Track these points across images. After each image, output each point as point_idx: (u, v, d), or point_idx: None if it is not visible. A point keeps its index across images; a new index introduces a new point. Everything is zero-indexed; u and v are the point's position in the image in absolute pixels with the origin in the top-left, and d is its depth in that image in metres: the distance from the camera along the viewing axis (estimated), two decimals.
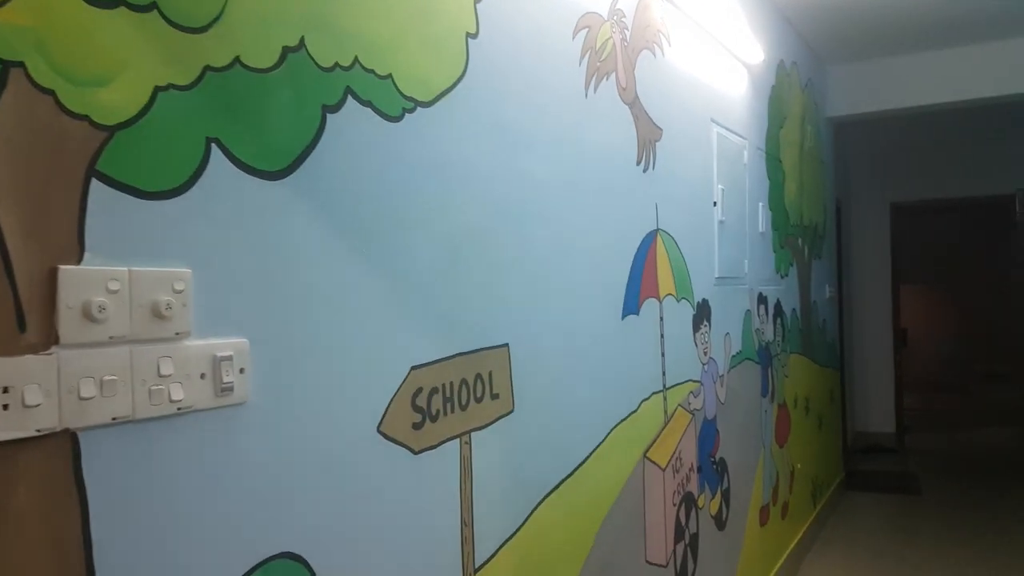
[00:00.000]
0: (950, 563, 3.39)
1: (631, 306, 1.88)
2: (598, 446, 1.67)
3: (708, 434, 2.36)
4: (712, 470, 2.37)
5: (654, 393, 1.99)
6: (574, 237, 1.63)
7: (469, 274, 1.28)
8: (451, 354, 1.23)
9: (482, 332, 1.31)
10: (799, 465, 3.39)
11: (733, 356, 2.64)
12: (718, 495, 2.40)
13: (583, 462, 1.61)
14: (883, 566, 3.38)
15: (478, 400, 1.28)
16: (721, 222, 2.54)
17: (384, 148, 1.11)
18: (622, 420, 1.80)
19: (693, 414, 2.25)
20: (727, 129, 2.64)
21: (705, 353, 2.38)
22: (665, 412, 2.06)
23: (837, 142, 4.88)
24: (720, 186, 2.53)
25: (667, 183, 2.13)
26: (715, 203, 2.51)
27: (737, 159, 2.77)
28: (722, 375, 2.51)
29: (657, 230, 2.06)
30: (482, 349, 1.31)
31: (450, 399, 1.22)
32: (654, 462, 1.95)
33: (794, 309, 3.45)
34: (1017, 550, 3.55)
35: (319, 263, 1.00)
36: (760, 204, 3.00)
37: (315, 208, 1.00)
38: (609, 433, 1.73)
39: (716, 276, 2.50)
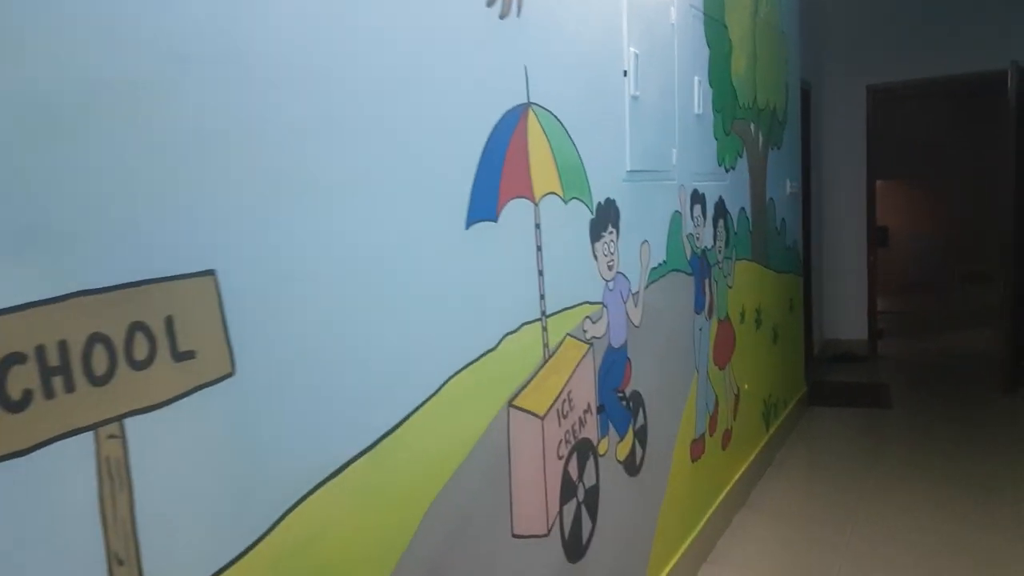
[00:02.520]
0: (918, 483, 3.09)
1: (482, 210, 1.38)
2: (424, 402, 1.22)
3: (614, 365, 1.92)
4: (620, 407, 1.95)
5: (525, 323, 1.52)
6: (364, 106, 1.10)
7: (98, 146, 0.77)
8: (60, 294, 0.74)
9: (143, 251, 0.81)
10: (746, 386, 3.00)
11: (654, 268, 2.17)
12: (629, 436, 1.99)
13: (396, 426, 1.15)
14: (842, 488, 3.07)
15: (138, 365, 0.80)
16: (635, 98, 2.00)
17: None
18: (470, 363, 1.34)
19: (591, 344, 1.80)
20: None
21: (610, 267, 1.90)
22: (545, 345, 1.60)
23: (804, 11, 4.24)
24: (633, 49, 1.97)
25: (543, 38, 1.58)
26: (625, 72, 1.96)
27: (661, 17, 2.19)
28: (636, 292, 2.05)
29: (528, 105, 1.53)
30: (145, 282, 0.81)
31: (61, 369, 0.73)
32: (526, 410, 1.51)
33: (743, 208, 2.96)
34: (991, 468, 3.24)
35: None
36: (696, 78, 2.45)
37: None
38: (446, 382, 1.27)
39: (628, 169, 1.99)
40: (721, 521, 2.66)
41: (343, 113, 1.07)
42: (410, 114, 1.20)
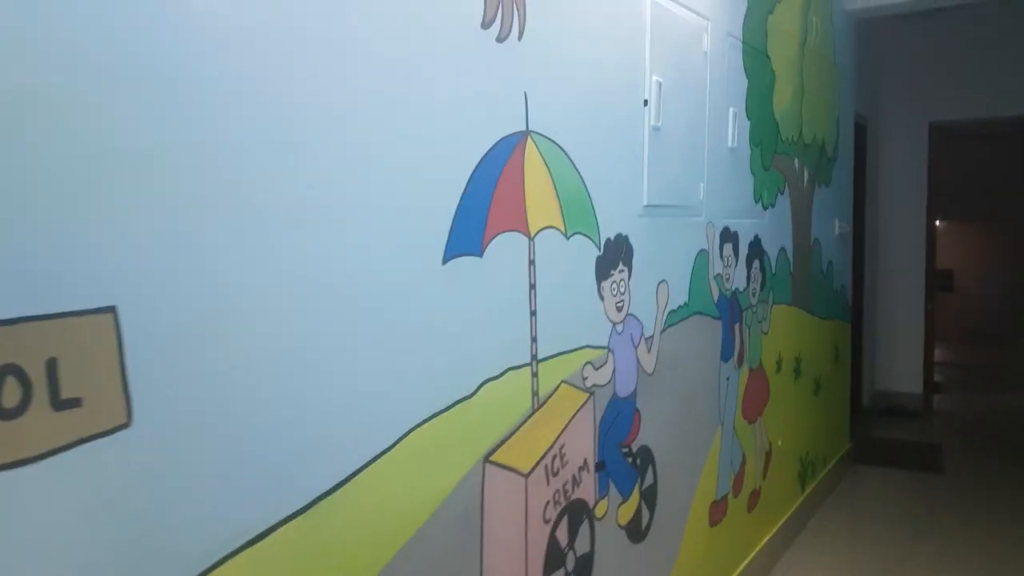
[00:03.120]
0: (968, 562, 2.76)
1: (464, 244, 1.25)
2: (378, 456, 1.08)
3: (619, 417, 1.75)
4: (625, 464, 1.77)
5: (511, 369, 1.38)
6: (324, 129, 1.00)
7: None
8: None
9: (25, 283, 0.71)
10: (780, 442, 2.76)
11: (673, 311, 2.00)
12: (634, 496, 1.81)
13: (340, 484, 1.02)
14: (881, 563, 2.78)
15: (6, 414, 0.70)
16: (656, 129, 1.85)
17: None
18: (439, 412, 1.20)
19: (591, 392, 1.63)
20: None
21: (619, 308, 1.74)
22: (534, 394, 1.45)
23: (861, 44, 4.01)
24: (656, 78, 1.83)
25: (547, 64, 1.46)
26: (646, 102, 1.82)
27: (691, 45, 2.04)
28: (650, 337, 1.88)
29: (526, 133, 1.40)
30: (23, 319, 0.71)
31: None
32: (506, 466, 1.36)
33: (783, 249, 2.75)
34: None
35: None
36: (731, 110, 2.28)
37: None
38: (407, 434, 1.14)
39: (644, 204, 1.83)
40: None
41: (293, 137, 0.96)
42: (383, 139, 1.09)
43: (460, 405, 1.25)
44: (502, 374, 1.35)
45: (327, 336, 1.01)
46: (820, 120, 3.14)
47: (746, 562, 2.47)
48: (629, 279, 1.78)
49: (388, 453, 1.10)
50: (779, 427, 2.77)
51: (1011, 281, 7.39)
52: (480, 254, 1.29)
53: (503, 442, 1.35)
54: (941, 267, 7.54)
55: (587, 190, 1.61)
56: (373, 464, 1.08)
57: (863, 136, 4.49)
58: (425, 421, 1.18)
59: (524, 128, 1.40)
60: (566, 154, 1.53)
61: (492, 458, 1.32)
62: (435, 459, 1.20)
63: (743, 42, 2.36)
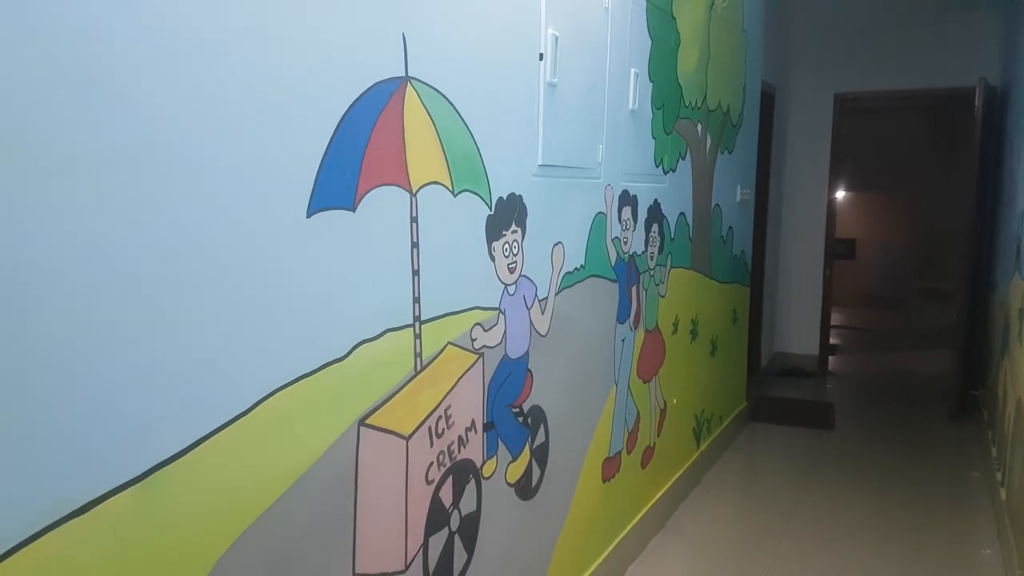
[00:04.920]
0: (849, 513, 2.97)
1: (333, 196, 1.18)
2: (228, 423, 1.02)
3: (510, 378, 1.74)
4: (515, 424, 1.77)
5: (390, 330, 1.33)
6: (148, 54, 0.90)
7: None
8: None
9: None
10: (675, 400, 2.86)
11: (568, 273, 1.99)
12: (524, 455, 1.82)
13: (182, 453, 0.96)
14: (770, 514, 2.94)
15: None
16: (552, 85, 1.81)
17: None
18: (304, 376, 1.15)
19: (480, 354, 1.61)
20: None
21: (511, 270, 1.72)
22: (416, 355, 1.41)
23: (771, 12, 4.09)
24: (552, 31, 1.79)
25: (430, 5, 1.39)
26: (541, 56, 1.77)
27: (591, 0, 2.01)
28: (544, 298, 1.87)
29: (405, 80, 1.33)
30: None
31: None
32: (384, 429, 1.32)
33: (682, 214, 2.80)
34: (926, 500, 3.14)
35: None
36: (633, 71, 2.27)
37: None
38: (265, 398, 1.08)
39: (539, 163, 1.80)
40: (634, 546, 2.51)
41: (110, 70, 0.86)
42: (235, 77, 1.00)
43: (330, 368, 1.20)
44: (379, 335, 1.30)
45: (163, 295, 0.93)
46: (725, 86, 3.19)
47: (640, 515, 2.56)
48: (523, 240, 1.76)
49: (243, 418, 1.04)
50: (675, 386, 2.85)
51: (910, 250, 7.88)
52: (353, 208, 1.23)
53: (380, 405, 1.31)
54: (845, 236, 7.98)
55: (477, 146, 1.56)
56: (225, 430, 1.01)
57: (770, 104, 4.61)
58: (288, 384, 1.12)
59: (403, 74, 1.33)
60: (453, 106, 1.47)
61: (368, 421, 1.28)
62: (301, 424, 1.15)
63: (648, 1, 2.34)
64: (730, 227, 3.42)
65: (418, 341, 1.41)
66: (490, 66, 1.59)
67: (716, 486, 3.20)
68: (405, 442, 1.37)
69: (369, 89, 1.24)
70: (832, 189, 5.29)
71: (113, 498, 0.88)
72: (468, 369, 1.57)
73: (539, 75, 1.77)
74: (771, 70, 4.44)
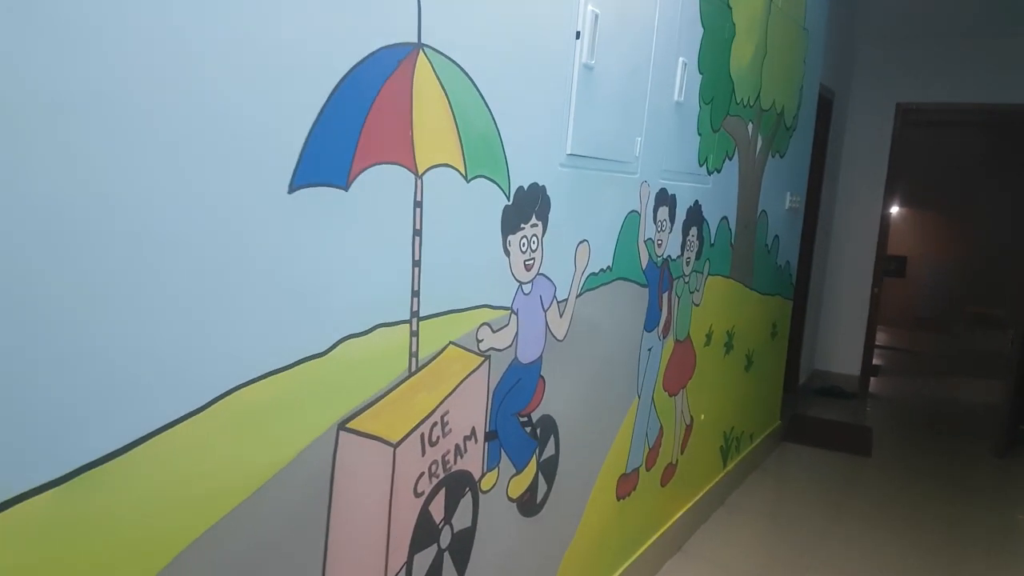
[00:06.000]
0: (881, 548, 2.75)
1: (323, 172, 1.05)
2: (178, 420, 0.90)
3: (520, 384, 1.59)
4: (521, 434, 1.63)
5: (382, 325, 1.20)
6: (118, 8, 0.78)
7: None
8: None
9: None
10: (703, 416, 2.67)
11: (593, 274, 1.84)
12: (530, 468, 1.67)
13: (117, 452, 0.84)
14: (795, 542, 2.75)
15: None
16: (588, 67, 1.65)
17: None
18: (275, 371, 1.02)
19: (487, 356, 1.47)
20: None
21: (528, 267, 1.57)
22: (412, 355, 1.27)
23: (835, 12, 3.83)
24: (592, 8, 1.63)
25: None
26: (578, 34, 1.61)
27: None
28: (563, 300, 1.72)
29: (418, 47, 1.19)
30: None
31: None
32: (369, 435, 1.19)
33: (725, 218, 2.61)
34: (966, 538, 2.90)
35: None
36: (681, 60, 2.09)
37: None
38: (225, 394, 0.96)
39: (568, 153, 1.65)
40: (647, 568, 2.34)
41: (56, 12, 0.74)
42: (203, 28, 0.87)
43: (308, 363, 1.07)
44: (369, 331, 1.17)
45: (97, 275, 0.81)
46: (781, 86, 2.97)
47: (656, 536, 2.39)
48: (543, 235, 1.61)
49: (198, 415, 0.92)
50: (703, 401, 2.67)
51: (962, 272, 7.47)
52: (346, 186, 1.09)
53: (366, 408, 1.18)
54: (895, 253, 7.62)
55: (497, 128, 1.41)
56: (174, 428, 0.89)
57: (828, 110, 4.35)
58: (256, 380, 0.99)
59: (416, 40, 1.19)
60: (472, 82, 1.33)
61: (349, 425, 1.15)
62: (271, 424, 1.02)
63: None
64: (776, 236, 3.21)
65: (415, 339, 1.27)
66: (518, 40, 1.44)
67: (740, 509, 3.01)
68: (392, 449, 1.24)
69: (373, 53, 1.11)
70: (887, 204, 4.99)
71: (28, 501, 0.76)
72: (471, 372, 1.43)
73: (575, 55, 1.61)
74: (831, 73, 4.18)
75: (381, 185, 1.16)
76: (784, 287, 3.48)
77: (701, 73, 2.23)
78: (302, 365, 1.06)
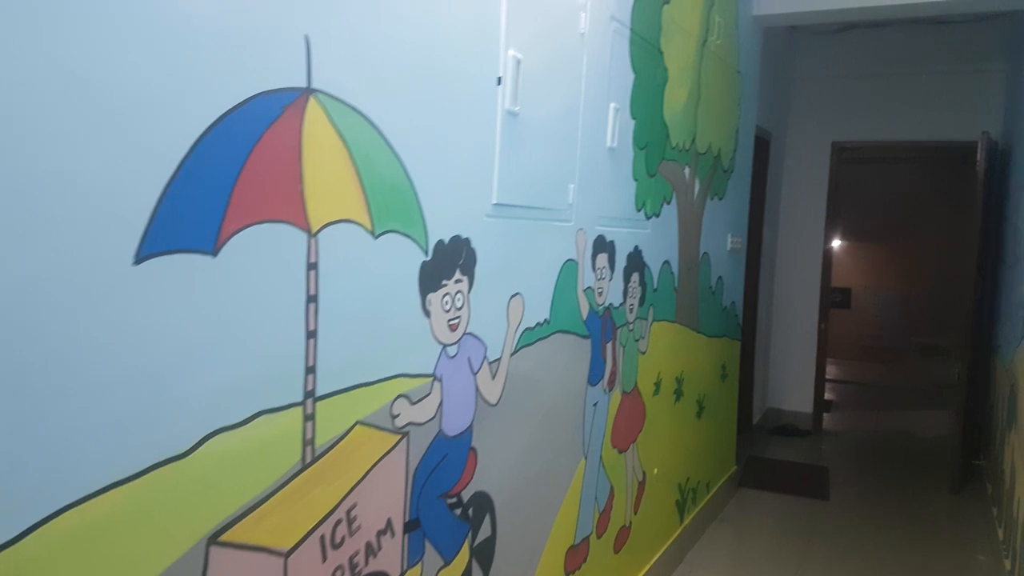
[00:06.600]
0: None
1: (182, 236, 0.89)
2: None
3: (446, 461, 1.42)
4: (449, 519, 1.45)
5: (266, 412, 1.02)
6: None
7: None
8: None
9: None
10: (656, 470, 2.53)
11: (530, 329, 1.70)
12: (461, 557, 1.49)
13: None
14: None
15: None
16: (512, 113, 1.54)
17: None
18: (123, 481, 0.83)
19: (404, 434, 1.30)
20: None
21: (452, 327, 1.42)
22: (307, 443, 1.10)
23: (770, 55, 3.89)
24: (513, 53, 1.52)
25: (350, 6, 1.11)
26: (500, 80, 1.50)
27: (565, 22, 1.75)
28: (495, 360, 1.57)
29: (307, 92, 1.05)
30: None
31: None
32: (250, 546, 1.00)
33: (667, 262, 2.52)
34: None
35: None
36: (612, 105, 2.01)
37: None
38: (56, 514, 0.76)
39: (494, 202, 1.52)
40: None
41: None
42: (32, 68, 0.71)
43: (166, 468, 0.88)
44: (246, 420, 0.99)
45: None
46: (717, 129, 2.94)
47: None
48: (469, 291, 1.46)
49: (14, 546, 0.73)
50: (656, 454, 2.53)
51: (907, 303, 7.64)
52: (213, 252, 0.93)
53: (247, 513, 0.99)
54: (841, 285, 7.76)
55: (410, 178, 1.27)
56: None
57: (766, 150, 4.39)
58: (94, 495, 0.80)
59: (304, 85, 1.05)
60: (377, 129, 1.19)
61: (223, 537, 0.96)
62: (113, 548, 0.83)
63: (631, 31, 2.09)
64: (720, 277, 3.14)
65: (310, 424, 1.10)
66: (432, 85, 1.31)
67: (700, 567, 2.85)
68: (283, 560, 1.05)
69: (249, 100, 0.96)
70: (828, 238, 5.04)
71: None
72: (385, 454, 1.25)
73: (497, 101, 1.50)
74: (767, 114, 4.23)
75: (263, 247, 0.99)
76: (731, 328, 3.41)
77: (634, 118, 2.15)
78: (158, 470, 0.88)
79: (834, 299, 6.37)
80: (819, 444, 4.72)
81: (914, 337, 7.52)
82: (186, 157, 0.88)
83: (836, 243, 7.17)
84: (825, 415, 5.17)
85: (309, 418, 1.09)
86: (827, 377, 5.25)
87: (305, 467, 1.09)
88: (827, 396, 5.36)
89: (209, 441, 0.93)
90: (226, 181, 0.94)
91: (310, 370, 1.09)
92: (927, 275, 7.46)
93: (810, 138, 4.94)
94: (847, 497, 3.73)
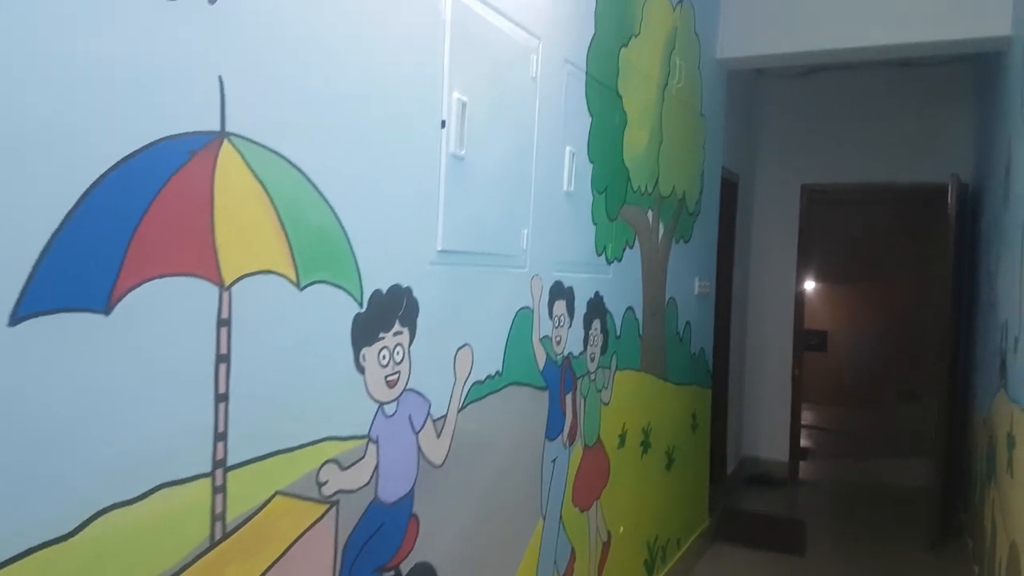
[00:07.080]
0: None
1: (68, 294, 0.80)
2: None
3: (382, 530, 1.32)
4: None
5: (166, 485, 0.92)
6: None
7: None
8: None
9: None
10: (622, 529, 2.42)
11: (479, 383, 1.61)
12: None
13: None
14: None
15: None
16: (457, 157, 1.48)
17: None
18: None
19: (334, 503, 1.20)
20: (488, 4, 1.59)
21: (391, 383, 1.33)
22: (216, 519, 0.99)
23: (735, 98, 3.94)
24: (459, 96, 1.48)
25: (265, 39, 1.06)
26: (443, 123, 1.45)
27: (514, 65, 1.72)
28: (440, 417, 1.48)
29: (220, 136, 0.98)
30: None
31: None
32: None
33: (631, 308, 2.46)
34: None
35: None
36: (568, 148, 1.97)
37: None
38: None
39: (439, 249, 1.45)
40: None
41: None
42: None
43: (45, 551, 0.78)
44: (145, 495, 0.89)
45: None
46: (681, 171, 2.93)
47: None
48: (410, 344, 1.38)
49: None
50: (621, 511, 2.42)
51: (883, 347, 7.65)
52: (105, 310, 0.84)
53: None
54: (817, 328, 7.76)
55: (342, 225, 1.20)
56: None
57: (734, 192, 4.41)
58: None
59: (218, 128, 0.98)
60: (303, 174, 1.12)
61: None
62: None
63: (587, 74, 2.07)
64: (687, 322, 3.09)
65: (220, 496, 0.99)
66: (366, 128, 1.25)
67: None
68: None
69: (152, 144, 0.89)
70: (800, 280, 5.05)
71: None
72: (310, 527, 1.15)
73: (441, 145, 1.45)
74: (735, 156, 4.26)
75: (165, 303, 0.91)
76: (701, 375, 3.34)
77: (592, 162, 2.12)
78: (35, 555, 0.77)
79: (810, 342, 6.35)
80: (795, 494, 4.62)
81: (892, 380, 7.51)
82: (73, 208, 0.80)
83: (811, 285, 7.21)
84: (801, 463, 5.07)
85: (219, 490, 0.99)
86: (803, 423, 5.18)
87: (214, 544, 0.98)
88: (803, 443, 5.28)
89: (99, 519, 0.83)
90: (122, 233, 0.86)
91: (220, 437, 0.99)
92: (902, 319, 7.49)
93: (779, 180, 4.99)
94: (823, 553, 3.62)
